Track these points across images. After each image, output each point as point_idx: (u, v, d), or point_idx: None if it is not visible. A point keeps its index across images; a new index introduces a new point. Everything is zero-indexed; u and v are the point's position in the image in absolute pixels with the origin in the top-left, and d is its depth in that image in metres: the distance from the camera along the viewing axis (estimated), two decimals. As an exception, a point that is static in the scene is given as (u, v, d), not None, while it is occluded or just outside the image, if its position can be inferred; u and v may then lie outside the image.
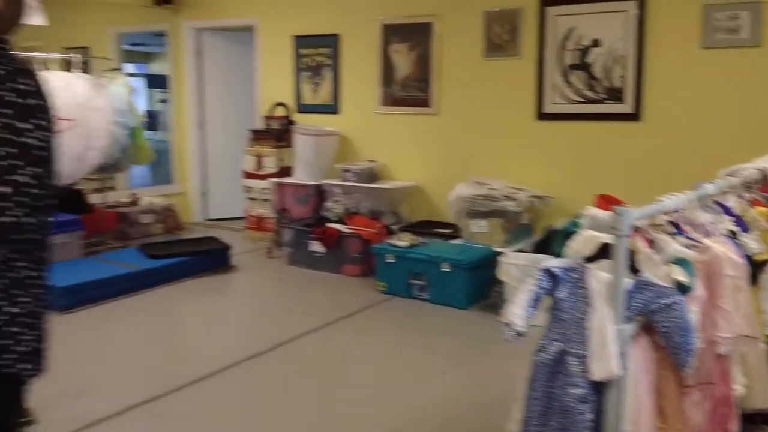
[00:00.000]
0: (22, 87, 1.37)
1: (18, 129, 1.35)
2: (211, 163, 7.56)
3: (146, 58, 13.85)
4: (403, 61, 5.94)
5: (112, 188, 6.73)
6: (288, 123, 6.52)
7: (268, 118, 6.66)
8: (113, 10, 7.01)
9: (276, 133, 6.46)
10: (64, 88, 5.15)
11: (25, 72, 1.41)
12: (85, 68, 6.00)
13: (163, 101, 13.91)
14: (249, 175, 6.70)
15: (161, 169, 8.23)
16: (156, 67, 14.35)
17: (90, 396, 3.32)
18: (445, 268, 4.69)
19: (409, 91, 5.93)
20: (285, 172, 6.42)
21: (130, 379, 3.57)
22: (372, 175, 5.92)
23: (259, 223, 6.71)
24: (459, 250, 4.89)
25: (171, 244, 5.86)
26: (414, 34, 5.83)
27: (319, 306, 4.91)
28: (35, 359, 1.51)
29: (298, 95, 6.64)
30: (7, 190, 1.33)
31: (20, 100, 1.36)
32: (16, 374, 1.46)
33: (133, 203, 6.73)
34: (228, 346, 4.08)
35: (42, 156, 1.39)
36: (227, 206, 7.49)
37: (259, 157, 6.62)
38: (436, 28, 5.70)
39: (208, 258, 5.56)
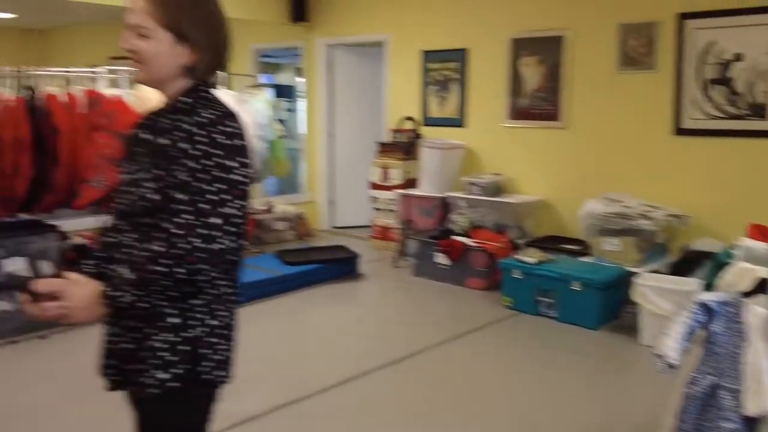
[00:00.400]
0: (229, 129, 1.55)
1: (227, 167, 1.52)
2: (339, 173, 7.84)
3: (274, 69, 14.51)
4: (532, 74, 5.93)
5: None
6: (415, 136, 6.66)
7: (396, 130, 6.84)
8: (253, 28, 7.43)
9: (403, 146, 6.62)
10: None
11: (231, 115, 1.59)
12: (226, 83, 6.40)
13: (290, 110, 14.54)
14: (375, 186, 6.90)
15: (288, 177, 8.61)
16: (283, 78, 15.03)
17: (232, 396, 3.56)
18: (576, 286, 4.64)
19: (537, 104, 5.91)
20: (411, 183, 6.57)
21: (267, 382, 3.79)
22: (497, 189, 5.94)
23: (384, 233, 6.89)
24: (590, 268, 4.82)
25: (304, 251, 6.14)
26: (544, 48, 5.81)
27: (445, 318, 4.98)
28: (228, 367, 1.69)
29: (425, 108, 6.77)
30: (218, 221, 1.50)
31: (228, 141, 1.54)
32: (212, 380, 1.65)
33: (268, 211, 7.09)
34: (357, 355, 4.25)
35: (245, 190, 1.56)
36: (353, 215, 7.75)
37: (385, 168, 6.81)
38: (568, 41, 5.65)
39: (338, 266, 5.80)
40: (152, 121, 1.66)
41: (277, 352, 4.30)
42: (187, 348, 1.59)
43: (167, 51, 1.58)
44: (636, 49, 5.32)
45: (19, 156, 4.29)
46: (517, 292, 4.96)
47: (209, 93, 1.65)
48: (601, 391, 3.73)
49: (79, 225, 5.37)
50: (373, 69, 7.45)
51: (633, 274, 4.52)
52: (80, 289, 1.53)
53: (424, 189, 6.41)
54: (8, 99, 4.42)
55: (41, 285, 1.51)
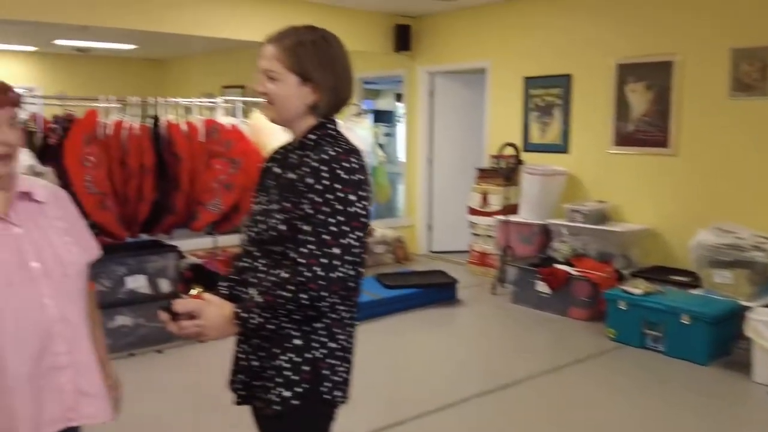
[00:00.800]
0: (351, 165, 1.65)
1: (348, 201, 1.62)
2: (437, 198, 7.91)
3: (374, 95, 14.85)
4: (639, 100, 5.80)
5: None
6: (516, 162, 6.63)
7: (496, 156, 6.84)
8: (358, 58, 7.65)
9: (504, 172, 6.60)
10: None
11: (353, 151, 1.69)
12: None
13: (388, 135, 14.80)
14: (474, 212, 6.92)
15: (387, 201, 8.76)
16: (382, 104, 15.34)
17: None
18: (685, 320, 4.48)
19: (644, 130, 5.78)
20: (510, 210, 6.54)
21: (365, 404, 3.85)
22: (602, 217, 5.83)
23: (482, 259, 6.88)
24: (700, 301, 4.64)
25: (404, 275, 6.23)
26: (652, 73, 5.68)
27: (546, 348, 4.92)
28: (345, 388, 1.78)
29: (526, 134, 6.74)
30: (339, 251, 1.60)
31: (350, 177, 1.63)
32: (332, 400, 1.73)
33: (369, 234, 7.23)
34: (455, 381, 4.26)
35: (364, 222, 1.65)
36: (451, 240, 7.78)
37: (484, 194, 6.82)
38: (677, 66, 5.51)
39: (437, 291, 5.84)
40: (282, 156, 1.80)
41: (376, 374, 4.38)
42: (309, 368, 1.69)
43: (294, 92, 1.70)
44: (749, 74, 5.12)
45: (143, 181, 4.61)
46: (621, 323, 4.83)
47: (333, 130, 1.75)
48: (711, 429, 3.57)
49: (195, 245, 5.70)
50: (474, 95, 7.51)
51: (746, 308, 4.32)
52: (215, 310, 1.66)
53: (524, 215, 6.37)
54: (134, 127, 4.77)
55: (180, 305, 1.65)
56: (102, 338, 1.88)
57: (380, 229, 7.45)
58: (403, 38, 7.46)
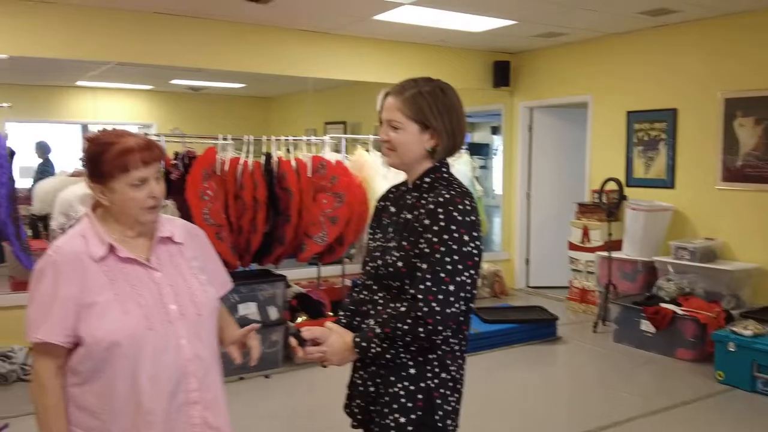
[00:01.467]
0: (465, 207, 1.77)
1: (463, 241, 1.74)
2: (535, 232, 7.88)
3: (470, 128, 14.95)
4: (748, 134, 5.63)
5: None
6: (619, 197, 6.54)
7: (597, 191, 6.77)
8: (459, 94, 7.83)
9: (606, 207, 6.52)
10: (419, 167, 5.89)
11: (466, 194, 1.81)
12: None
13: (483, 167, 14.84)
14: (574, 247, 6.85)
15: (485, 234, 8.79)
16: (478, 137, 15.41)
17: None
18: (800, 364, 4.28)
19: (753, 166, 5.59)
20: (613, 246, 6.43)
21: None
22: (709, 254, 5.65)
23: (582, 295, 6.79)
24: (817, 345, 4.43)
25: (502, 310, 6.24)
26: (761, 107, 5.51)
27: (650, 389, 4.80)
28: (456, 417, 1.88)
29: (629, 169, 6.65)
30: (452, 288, 1.71)
31: (464, 218, 1.75)
32: (443, 428, 1.83)
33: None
34: (552, 419, 4.23)
35: (476, 261, 1.76)
36: (549, 275, 7.71)
37: (585, 229, 6.75)
38: (790, 100, 5.33)
39: (536, 327, 5.81)
40: (396, 195, 1.96)
41: (472, 408, 4.41)
42: (423, 396, 1.80)
43: (415, 139, 1.85)
44: None
45: (256, 214, 4.89)
46: (730, 365, 4.66)
47: (447, 173, 1.89)
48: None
49: (298, 275, 5.95)
50: (573, 129, 7.48)
51: None
52: (338, 338, 1.82)
53: (627, 252, 6.25)
54: (248, 163, 5.08)
55: (308, 332, 1.82)
56: (232, 319, 2.10)
57: (478, 262, 7.48)
58: (502, 74, 7.56)
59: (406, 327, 1.72)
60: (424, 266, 1.74)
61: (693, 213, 6.09)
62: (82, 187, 4.67)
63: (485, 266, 7.49)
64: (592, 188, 6.90)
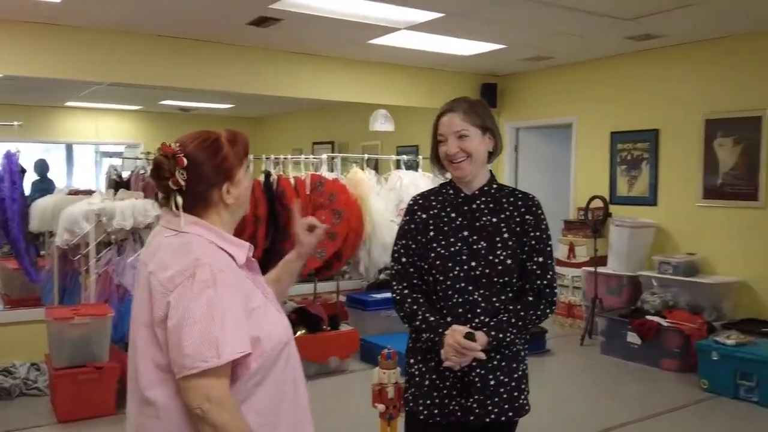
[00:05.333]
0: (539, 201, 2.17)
1: (550, 235, 2.15)
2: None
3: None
4: (728, 154, 5.89)
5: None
6: (604, 214, 6.75)
7: (582, 209, 6.99)
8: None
9: (593, 224, 6.73)
10: (413, 185, 6.07)
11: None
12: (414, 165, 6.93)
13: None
14: (560, 263, 7.04)
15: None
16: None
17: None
18: (781, 371, 4.49)
19: (734, 184, 5.84)
20: (598, 261, 6.64)
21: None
22: (691, 269, 5.88)
23: (569, 310, 6.98)
24: (796, 353, 4.65)
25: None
26: (740, 128, 5.78)
27: (637, 398, 4.97)
28: (528, 409, 2.17)
29: (613, 187, 6.89)
30: (554, 272, 2.11)
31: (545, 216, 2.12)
32: (516, 421, 2.14)
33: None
34: (548, 430, 4.36)
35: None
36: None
37: (571, 245, 6.96)
38: (766, 121, 5.59)
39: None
40: (456, 205, 2.13)
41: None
42: (525, 380, 2.16)
43: (480, 142, 2.11)
44: (843, 128, 5.17)
45: (257, 229, 5.03)
46: (714, 374, 4.86)
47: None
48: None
49: (295, 290, 6.07)
50: (559, 148, 7.72)
51: None
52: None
53: (613, 267, 6.47)
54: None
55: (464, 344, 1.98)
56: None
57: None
58: (489, 96, 7.79)
59: (539, 312, 2.08)
60: (540, 259, 2.10)
61: (675, 229, 6.33)
62: (86, 204, 4.80)
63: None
64: (578, 206, 7.13)
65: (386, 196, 6.04)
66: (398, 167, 6.66)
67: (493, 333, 2.00)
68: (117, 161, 6.74)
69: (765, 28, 5.50)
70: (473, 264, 2.05)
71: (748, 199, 5.72)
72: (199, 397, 1.48)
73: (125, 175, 6.26)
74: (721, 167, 5.93)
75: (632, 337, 5.66)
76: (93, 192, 6.22)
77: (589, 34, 5.82)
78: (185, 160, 1.60)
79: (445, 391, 2.08)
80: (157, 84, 6.23)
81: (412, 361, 2.19)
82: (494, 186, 2.16)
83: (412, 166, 6.76)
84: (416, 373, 2.15)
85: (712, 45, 5.96)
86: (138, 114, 12.21)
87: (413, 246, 2.13)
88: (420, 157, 6.85)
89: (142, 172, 5.38)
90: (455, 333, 1.97)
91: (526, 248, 2.09)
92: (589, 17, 5.24)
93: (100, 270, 4.72)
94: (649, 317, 5.61)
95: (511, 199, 2.13)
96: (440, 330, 2.02)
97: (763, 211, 5.63)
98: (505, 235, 2.08)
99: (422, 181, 6.29)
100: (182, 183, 1.60)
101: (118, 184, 5.98)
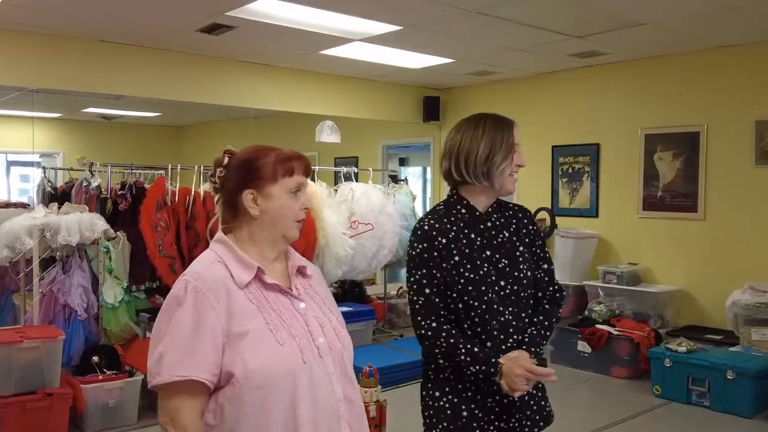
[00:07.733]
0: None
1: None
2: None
3: (402, 161, 15.19)
4: (667, 167, 6.15)
5: (373, 282, 7.60)
6: (552, 226, 6.90)
7: (526, 220, 7.12)
8: (385, 127, 8.07)
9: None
10: (364, 197, 6.01)
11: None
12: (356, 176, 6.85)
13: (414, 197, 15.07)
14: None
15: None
16: (410, 170, 15.70)
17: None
18: (730, 375, 4.69)
19: (673, 196, 6.10)
20: (542, 271, 6.77)
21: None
22: (635, 278, 6.09)
23: (514, 320, 7.07)
24: (742, 357, 4.87)
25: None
26: (679, 142, 6.04)
27: (592, 406, 5.08)
28: (553, 415, 2.19)
29: (554, 199, 7.06)
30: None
31: None
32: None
33: (400, 296, 7.44)
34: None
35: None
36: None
37: (515, 256, 7.06)
38: (704, 136, 5.88)
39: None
40: (470, 223, 2.10)
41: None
42: (545, 388, 2.18)
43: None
44: (773, 144, 5.49)
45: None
46: (667, 380, 5.03)
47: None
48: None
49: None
50: (500, 162, 7.84)
51: (790, 364, 4.55)
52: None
53: (558, 277, 6.58)
54: (199, 194, 5.03)
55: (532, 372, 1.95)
56: None
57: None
58: (432, 109, 7.84)
59: (556, 317, 2.14)
60: (546, 266, 2.15)
61: (616, 240, 6.55)
62: (29, 218, 4.47)
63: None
64: (521, 217, 7.24)
65: (337, 208, 5.93)
66: (336, 179, 6.61)
67: (533, 349, 2.02)
68: (50, 172, 6.32)
69: (705, 47, 5.78)
70: (502, 283, 2.02)
71: (688, 210, 5.98)
72: (165, 415, 1.50)
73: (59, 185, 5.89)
74: (662, 180, 6.18)
75: (583, 346, 5.79)
76: (27, 205, 5.84)
77: (536, 50, 5.95)
78: (226, 159, 1.67)
79: (486, 418, 2.03)
80: (93, 91, 5.93)
81: (438, 394, 2.06)
82: (498, 201, 2.18)
83: (351, 177, 6.63)
84: (447, 406, 2.04)
85: (652, 62, 6.22)
86: (57, 122, 11.57)
87: (438, 275, 1.99)
88: (354, 168, 6.80)
89: (85, 184, 5.06)
90: (521, 361, 1.92)
91: (534, 258, 2.13)
92: (541, 33, 5.36)
93: (44, 289, 4.40)
94: (598, 326, 5.76)
95: (512, 213, 2.16)
96: (494, 360, 1.93)
97: (702, 222, 5.91)
98: (521, 248, 2.09)
99: (374, 193, 6.25)
100: (218, 180, 1.68)
101: (53, 196, 5.63)
